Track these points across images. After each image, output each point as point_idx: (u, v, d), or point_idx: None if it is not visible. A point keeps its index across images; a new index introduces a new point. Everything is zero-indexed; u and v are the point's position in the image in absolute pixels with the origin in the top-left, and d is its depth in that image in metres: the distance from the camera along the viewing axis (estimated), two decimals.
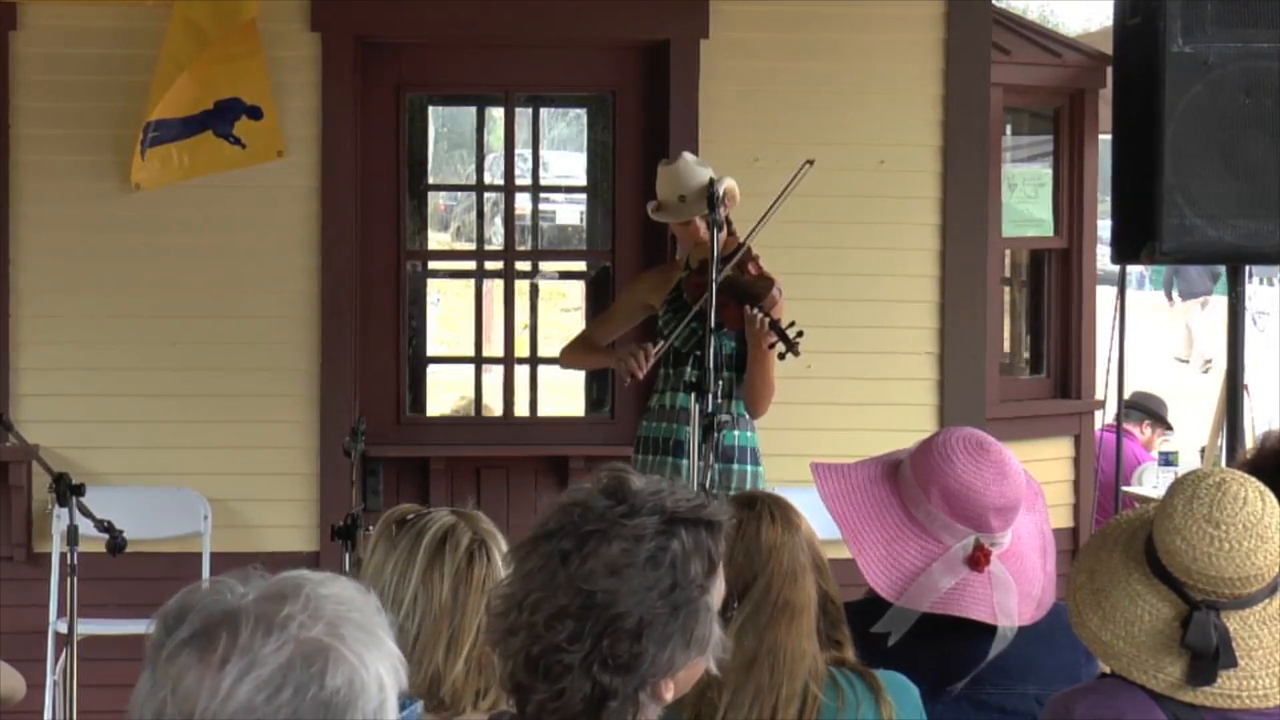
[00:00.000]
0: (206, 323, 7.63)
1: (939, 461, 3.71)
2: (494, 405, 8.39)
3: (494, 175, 10.74)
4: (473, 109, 8.99)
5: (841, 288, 7.78)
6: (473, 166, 9.16)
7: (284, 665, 1.81)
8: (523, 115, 8.35)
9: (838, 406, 7.78)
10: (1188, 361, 21.30)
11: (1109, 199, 6.30)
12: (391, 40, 7.85)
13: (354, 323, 7.74)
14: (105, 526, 5.69)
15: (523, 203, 8.89)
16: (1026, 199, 8.89)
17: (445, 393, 10.82)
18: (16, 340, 7.58)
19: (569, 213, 17.10)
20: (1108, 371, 7.34)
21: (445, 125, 17.77)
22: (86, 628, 6.24)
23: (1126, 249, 6.04)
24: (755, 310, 6.40)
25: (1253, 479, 3.15)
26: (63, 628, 6.52)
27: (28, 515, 7.55)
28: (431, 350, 9.71)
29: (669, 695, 2.42)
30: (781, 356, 6.41)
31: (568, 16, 7.75)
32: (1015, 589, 3.72)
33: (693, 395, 6.33)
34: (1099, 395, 8.63)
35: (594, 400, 8.53)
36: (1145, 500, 6.80)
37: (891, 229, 7.85)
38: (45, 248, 7.59)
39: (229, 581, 1.87)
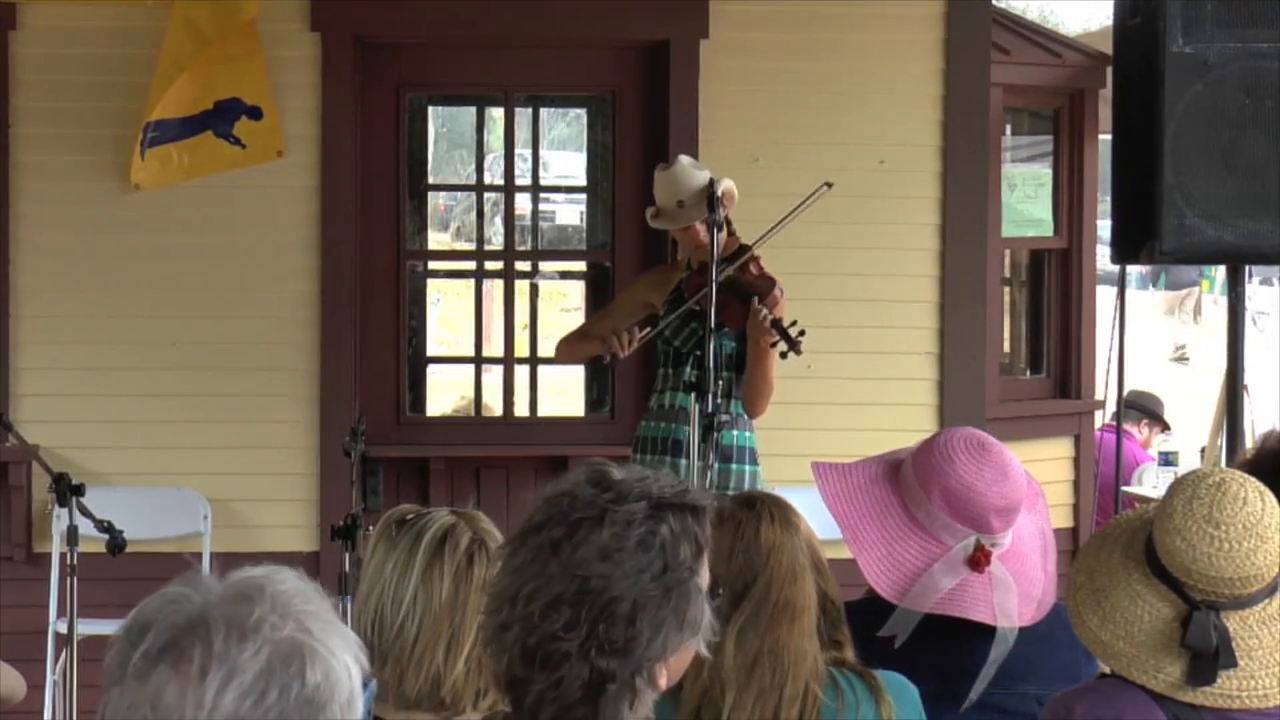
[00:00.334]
0: (206, 323, 7.63)
1: (940, 462, 3.71)
2: (494, 405, 8.39)
3: (494, 175, 10.74)
4: (472, 109, 8.99)
5: (841, 288, 7.79)
6: (472, 166, 9.15)
7: (264, 669, 1.80)
8: (523, 115, 8.35)
9: (838, 406, 7.78)
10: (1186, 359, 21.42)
11: (1109, 199, 6.30)
12: (391, 40, 7.85)
13: (354, 323, 7.74)
14: (105, 527, 5.69)
15: (523, 203, 8.89)
16: (1026, 199, 8.89)
17: (445, 393, 10.82)
18: (16, 340, 7.58)
19: (569, 213, 17.12)
20: (1107, 371, 7.34)
21: (445, 125, 17.79)
22: (86, 628, 6.23)
23: (1126, 249, 6.04)
24: (759, 305, 6.40)
25: (1253, 479, 3.15)
26: (63, 628, 6.52)
27: (28, 515, 7.56)
28: (431, 350, 9.71)
29: (663, 681, 2.44)
30: (784, 356, 6.41)
31: (568, 16, 7.75)
32: (1016, 590, 3.72)
33: (692, 395, 6.34)
34: (1099, 395, 8.63)
35: (594, 400, 8.54)
36: (1145, 500, 6.81)
37: (891, 229, 7.85)
38: (45, 248, 7.59)
39: (182, 590, 1.86)
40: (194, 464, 7.59)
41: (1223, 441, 7.01)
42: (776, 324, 6.38)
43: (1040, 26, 10.66)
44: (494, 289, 8.64)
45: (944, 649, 3.73)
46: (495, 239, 9.73)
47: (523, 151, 8.53)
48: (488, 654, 2.47)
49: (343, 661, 1.85)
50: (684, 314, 6.65)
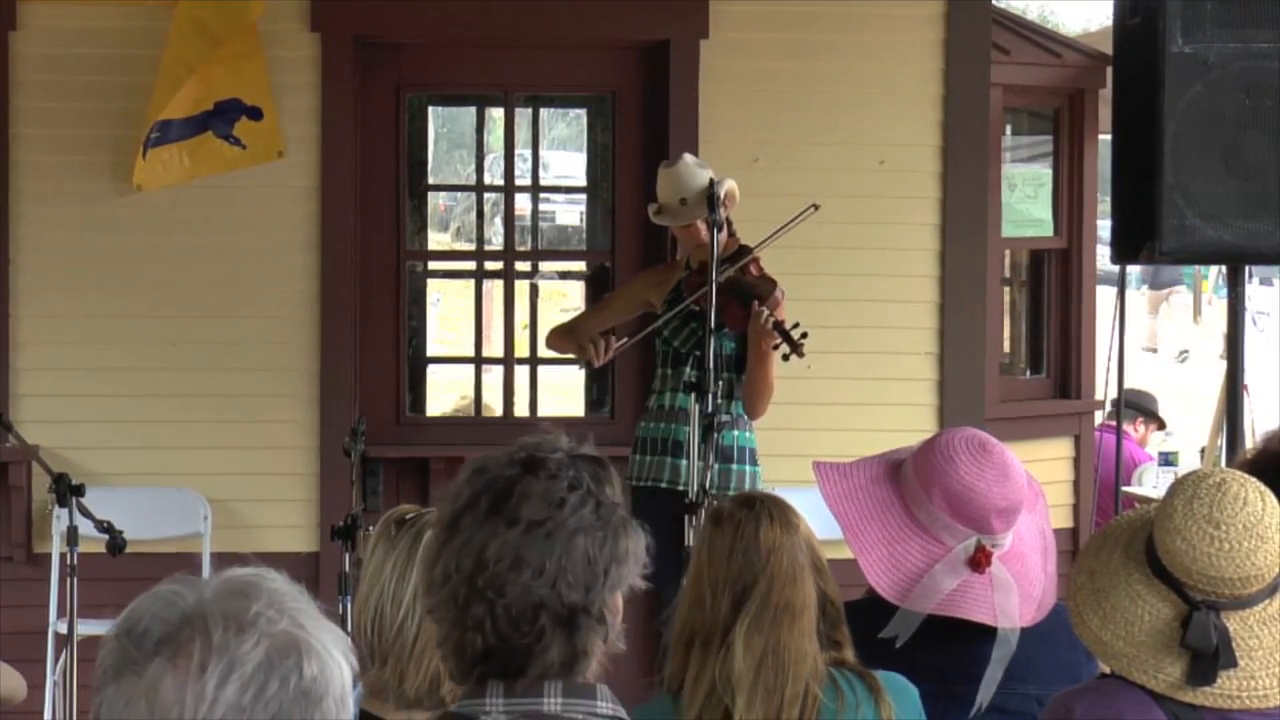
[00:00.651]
0: (206, 323, 7.63)
1: (941, 462, 3.71)
2: (494, 405, 8.39)
3: (494, 175, 10.73)
4: (472, 109, 8.99)
5: (841, 288, 7.78)
6: (472, 167, 9.15)
7: (263, 662, 1.81)
8: (522, 115, 8.35)
9: (838, 406, 7.78)
10: (1155, 351, 21.55)
11: (1109, 199, 6.30)
12: (391, 40, 7.85)
13: (354, 323, 7.74)
14: (105, 527, 5.69)
15: (522, 203, 8.89)
16: (1026, 199, 8.88)
17: (445, 393, 10.82)
18: (16, 340, 7.58)
19: (569, 213, 17.11)
20: (1107, 371, 7.34)
21: (445, 125, 17.77)
22: (86, 628, 6.23)
23: (1126, 249, 6.04)
24: (760, 307, 6.41)
25: (1253, 479, 3.15)
26: (63, 628, 6.52)
27: (28, 515, 7.55)
28: (431, 350, 9.71)
29: (619, 618, 2.51)
30: (785, 358, 6.41)
31: (568, 16, 7.75)
32: (1016, 590, 3.72)
33: (692, 395, 6.34)
34: (1099, 395, 8.63)
35: (594, 400, 8.53)
36: (1145, 500, 6.81)
37: (891, 229, 7.85)
38: (45, 248, 7.59)
39: (174, 588, 1.87)
40: (194, 464, 7.59)
41: (1223, 441, 7.01)
42: (778, 326, 6.38)
43: (1040, 26, 10.67)
44: (494, 289, 8.64)
45: (944, 649, 3.74)
46: (495, 239, 9.73)
47: (523, 152, 8.53)
48: (448, 647, 2.49)
49: (335, 656, 1.87)
50: (683, 314, 6.66)
